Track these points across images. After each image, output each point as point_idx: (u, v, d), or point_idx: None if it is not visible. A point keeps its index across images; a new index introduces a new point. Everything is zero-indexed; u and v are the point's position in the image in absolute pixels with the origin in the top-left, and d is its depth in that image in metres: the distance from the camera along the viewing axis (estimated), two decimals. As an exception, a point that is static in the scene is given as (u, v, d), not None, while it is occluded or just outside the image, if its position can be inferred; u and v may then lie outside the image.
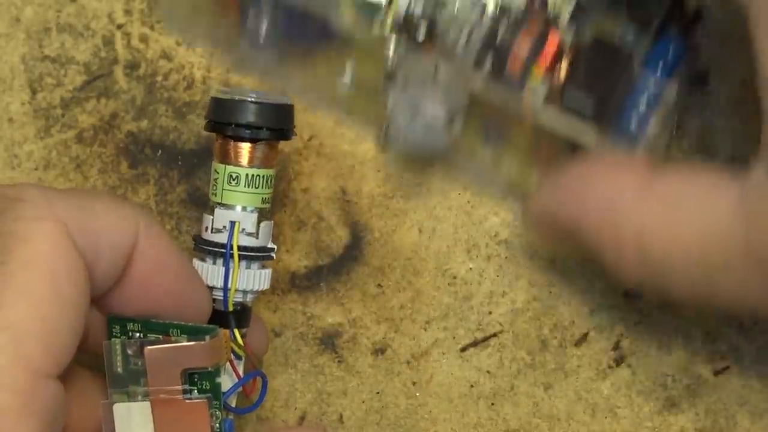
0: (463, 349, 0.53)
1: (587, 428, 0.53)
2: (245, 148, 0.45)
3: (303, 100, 0.52)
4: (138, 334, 0.43)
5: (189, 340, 0.42)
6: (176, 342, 0.43)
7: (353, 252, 0.53)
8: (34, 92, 0.53)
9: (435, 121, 0.49)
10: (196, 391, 0.43)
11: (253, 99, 0.45)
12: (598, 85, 0.47)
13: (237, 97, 0.45)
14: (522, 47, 0.47)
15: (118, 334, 0.43)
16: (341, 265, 0.53)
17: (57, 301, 0.38)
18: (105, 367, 0.43)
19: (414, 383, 0.53)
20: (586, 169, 0.47)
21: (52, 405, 0.37)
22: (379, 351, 0.53)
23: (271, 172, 0.46)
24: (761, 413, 0.52)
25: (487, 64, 0.48)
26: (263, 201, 0.46)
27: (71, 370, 0.40)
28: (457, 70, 0.48)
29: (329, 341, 0.53)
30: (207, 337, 0.42)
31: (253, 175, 0.45)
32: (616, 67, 0.47)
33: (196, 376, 0.43)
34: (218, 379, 0.43)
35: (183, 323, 0.43)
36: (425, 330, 0.53)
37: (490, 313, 0.53)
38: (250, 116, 0.45)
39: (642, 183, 0.44)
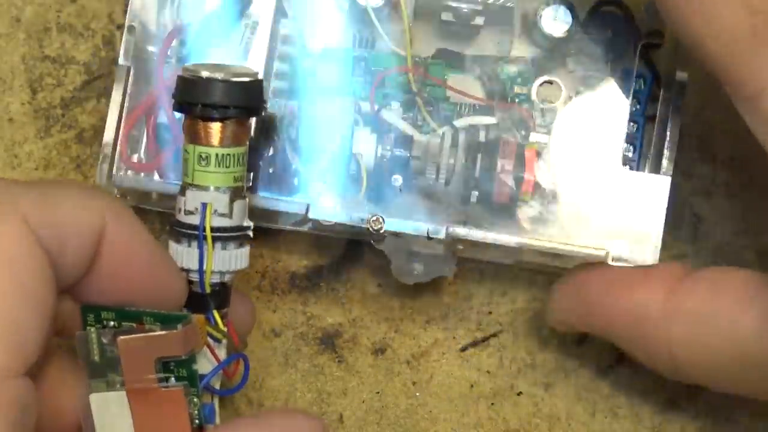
0: (463, 349, 0.53)
1: (587, 428, 0.53)
2: (214, 128, 0.44)
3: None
4: (112, 323, 0.43)
5: (162, 329, 0.42)
6: (150, 331, 0.42)
7: (353, 252, 0.53)
8: (34, 92, 0.53)
9: (433, 257, 0.49)
10: (172, 378, 0.43)
11: (220, 77, 0.43)
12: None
13: (204, 76, 0.43)
14: (504, 175, 0.47)
15: (93, 323, 0.43)
16: (341, 265, 0.53)
17: (20, 298, 0.38)
18: (79, 357, 0.42)
19: (414, 383, 0.53)
20: (608, 279, 0.48)
21: (19, 403, 0.37)
22: (379, 351, 0.53)
23: (242, 149, 0.44)
24: (761, 413, 0.52)
25: (473, 198, 0.48)
26: (235, 179, 0.44)
27: (47, 361, 0.40)
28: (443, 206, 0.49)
29: (329, 341, 0.53)
30: (179, 326, 0.42)
31: (223, 155, 0.44)
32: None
33: (171, 363, 0.42)
34: (194, 366, 0.43)
35: (156, 311, 0.43)
36: (425, 330, 0.53)
37: (490, 313, 0.53)
38: (217, 95, 0.43)
39: (668, 295, 0.46)
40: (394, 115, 0.49)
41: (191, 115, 0.44)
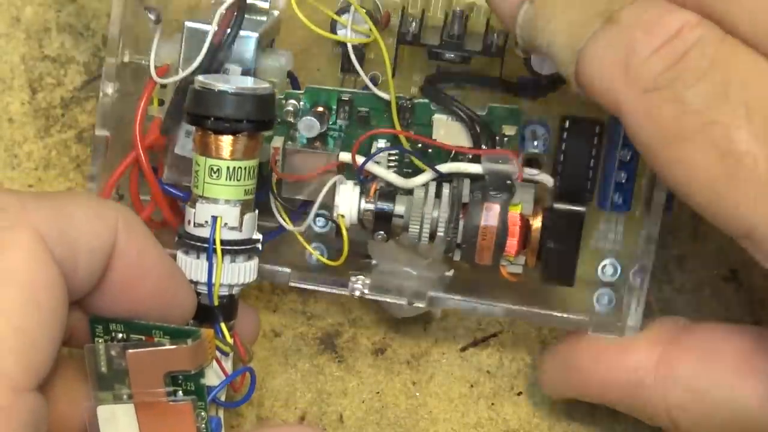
0: (463, 349, 0.53)
1: (587, 428, 0.53)
2: (226, 141, 0.43)
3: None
4: (121, 335, 0.43)
5: (172, 343, 0.42)
6: (159, 344, 0.42)
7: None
8: (34, 92, 0.53)
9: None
10: (180, 392, 0.43)
11: (232, 90, 0.43)
12: (568, 244, 0.47)
13: (216, 88, 0.43)
14: (486, 239, 0.46)
15: (101, 335, 0.43)
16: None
17: (34, 314, 0.37)
18: (88, 369, 0.42)
19: (414, 383, 0.53)
20: (597, 347, 0.48)
21: (31, 418, 0.37)
22: (379, 351, 0.53)
23: (253, 162, 0.44)
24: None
25: (456, 257, 0.47)
26: (246, 193, 0.44)
27: (54, 371, 0.39)
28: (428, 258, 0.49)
29: (329, 341, 0.53)
30: (189, 341, 0.42)
31: (234, 168, 0.44)
32: (575, 222, 0.47)
33: (180, 377, 0.42)
34: (202, 380, 0.43)
35: (166, 325, 0.43)
36: (425, 330, 0.53)
37: (490, 313, 0.53)
38: (229, 109, 0.43)
39: (660, 360, 0.46)
40: (379, 167, 0.48)
41: (203, 128, 0.44)
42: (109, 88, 0.48)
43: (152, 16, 0.46)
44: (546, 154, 0.48)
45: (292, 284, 0.49)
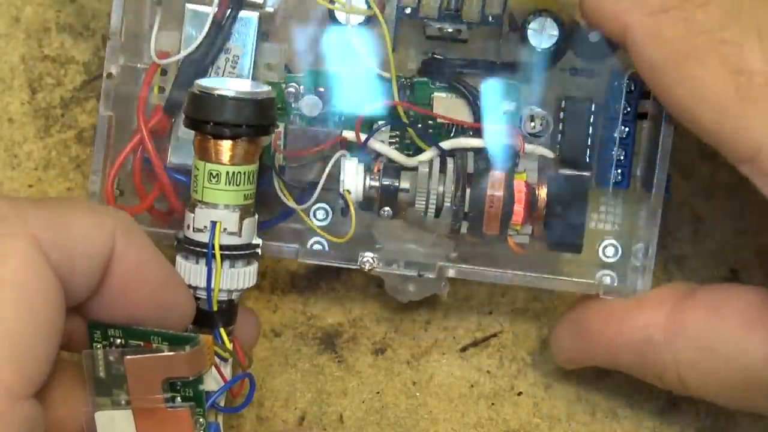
0: (463, 349, 0.53)
1: (587, 428, 0.53)
2: (225, 146, 0.43)
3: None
4: (119, 340, 0.43)
5: (170, 349, 0.42)
6: (157, 350, 0.42)
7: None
8: (34, 92, 0.53)
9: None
10: (178, 398, 0.42)
11: (232, 94, 0.43)
12: (575, 209, 0.47)
13: (216, 93, 0.43)
14: (494, 206, 0.47)
15: (100, 340, 0.43)
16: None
17: (30, 321, 0.37)
18: (86, 375, 0.42)
19: (414, 383, 0.53)
20: (606, 310, 0.48)
21: (27, 426, 0.37)
22: (379, 351, 0.53)
23: (252, 167, 0.44)
24: (761, 414, 0.52)
25: (463, 229, 0.47)
26: (246, 197, 0.44)
27: (52, 376, 0.39)
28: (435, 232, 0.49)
29: (329, 341, 0.53)
30: (187, 347, 0.42)
31: (234, 173, 0.43)
32: (580, 186, 0.47)
33: (178, 383, 0.42)
34: (201, 387, 0.43)
35: (164, 331, 0.42)
36: (425, 330, 0.53)
37: (490, 313, 0.53)
38: (229, 113, 0.43)
39: (669, 318, 0.46)
40: (382, 144, 0.48)
41: (202, 132, 0.43)
42: (113, 68, 0.47)
43: None
44: (544, 136, 0.48)
45: (301, 260, 0.48)
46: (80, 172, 0.53)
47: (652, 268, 0.47)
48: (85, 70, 0.53)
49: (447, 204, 0.47)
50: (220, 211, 0.44)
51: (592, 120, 0.48)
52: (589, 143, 0.48)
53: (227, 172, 0.43)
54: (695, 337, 0.45)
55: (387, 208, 0.47)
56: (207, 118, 0.43)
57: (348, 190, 0.47)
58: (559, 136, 0.48)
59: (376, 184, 0.47)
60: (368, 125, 0.48)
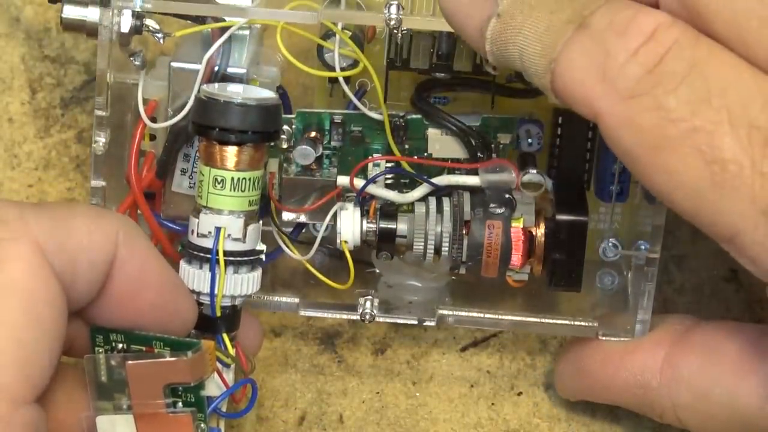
0: (463, 349, 0.53)
1: (587, 428, 0.53)
2: (230, 152, 0.43)
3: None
4: (121, 345, 0.43)
5: (172, 355, 0.42)
6: (159, 356, 0.42)
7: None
8: (34, 92, 0.53)
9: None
10: (180, 403, 0.42)
11: (238, 100, 0.43)
12: (573, 254, 0.47)
13: (222, 99, 0.43)
14: (491, 256, 0.47)
15: (102, 345, 0.43)
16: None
17: (33, 327, 0.37)
18: (88, 379, 0.42)
19: (414, 383, 0.53)
20: (604, 351, 0.48)
21: (30, 430, 0.37)
22: (379, 351, 0.53)
23: (258, 173, 0.44)
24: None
25: (462, 270, 0.47)
26: (250, 203, 0.44)
27: (54, 380, 0.39)
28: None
29: (329, 341, 0.53)
30: (189, 353, 0.42)
31: (239, 179, 0.43)
32: (579, 232, 0.47)
33: (180, 389, 0.42)
34: (202, 392, 0.43)
35: (166, 336, 0.42)
36: (425, 330, 0.53)
37: (490, 313, 0.53)
38: (234, 120, 0.43)
39: (665, 362, 0.47)
40: (376, 187, 0.48)
41: (207, 138, 0.43)
42: (101, 138, 0.46)
43: (137, 62, 0.46)
44: (540, 153, 0.48)
45: (302, 314, 0.49)
46: (80, 172, 0.53)
47: (652, 297, 0.48)
48: (85, 70, 0.53)
49: (445, 247, 0.47)
50: (224, 216, 0.44)
51: (589, 135, 0.48)
52: (587, 157, 0.48)
53: (232, 178, 0.43)
54: (690, 381, 0.46)
55: (386, 252, 0.47)
56: (213, 124, 0.43)
57: (345, 241, 0.47)
58: (556, 150, 0.48)
59: (373, 227, 0.47)
60: (363, 167, 0.48)
